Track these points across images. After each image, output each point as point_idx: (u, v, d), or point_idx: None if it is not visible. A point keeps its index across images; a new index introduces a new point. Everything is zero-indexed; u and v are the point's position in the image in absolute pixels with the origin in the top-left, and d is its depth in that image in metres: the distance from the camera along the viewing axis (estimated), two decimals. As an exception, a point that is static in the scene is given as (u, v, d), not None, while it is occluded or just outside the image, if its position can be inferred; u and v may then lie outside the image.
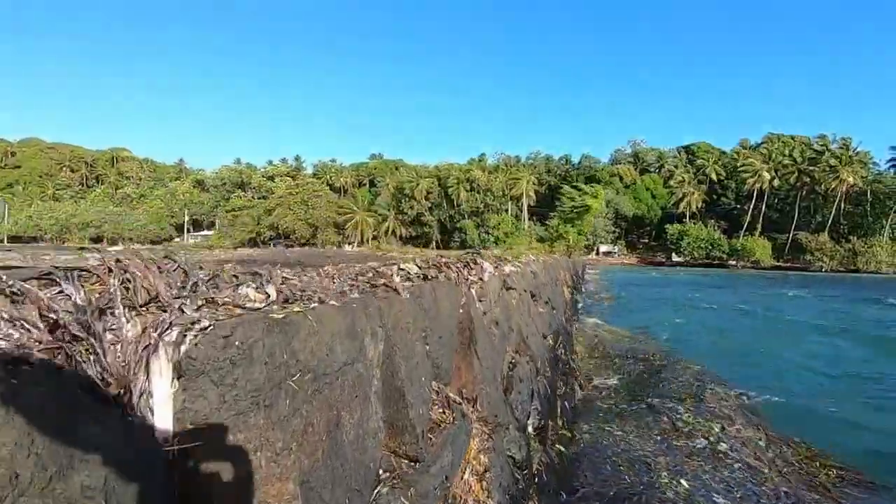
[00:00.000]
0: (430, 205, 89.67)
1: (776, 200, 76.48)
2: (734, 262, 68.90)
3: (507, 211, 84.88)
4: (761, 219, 74.35)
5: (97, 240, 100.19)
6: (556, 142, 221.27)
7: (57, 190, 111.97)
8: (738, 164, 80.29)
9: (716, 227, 75.90)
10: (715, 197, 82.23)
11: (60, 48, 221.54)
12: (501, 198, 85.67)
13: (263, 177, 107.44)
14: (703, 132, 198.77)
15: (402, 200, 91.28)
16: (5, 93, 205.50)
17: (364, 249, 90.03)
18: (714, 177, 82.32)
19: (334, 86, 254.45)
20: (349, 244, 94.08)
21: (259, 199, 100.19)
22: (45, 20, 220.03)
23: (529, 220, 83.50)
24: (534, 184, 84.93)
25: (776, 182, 71.58)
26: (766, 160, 72.98)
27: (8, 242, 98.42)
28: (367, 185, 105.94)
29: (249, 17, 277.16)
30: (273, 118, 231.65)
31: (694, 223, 76.64)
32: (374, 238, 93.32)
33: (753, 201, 73.82)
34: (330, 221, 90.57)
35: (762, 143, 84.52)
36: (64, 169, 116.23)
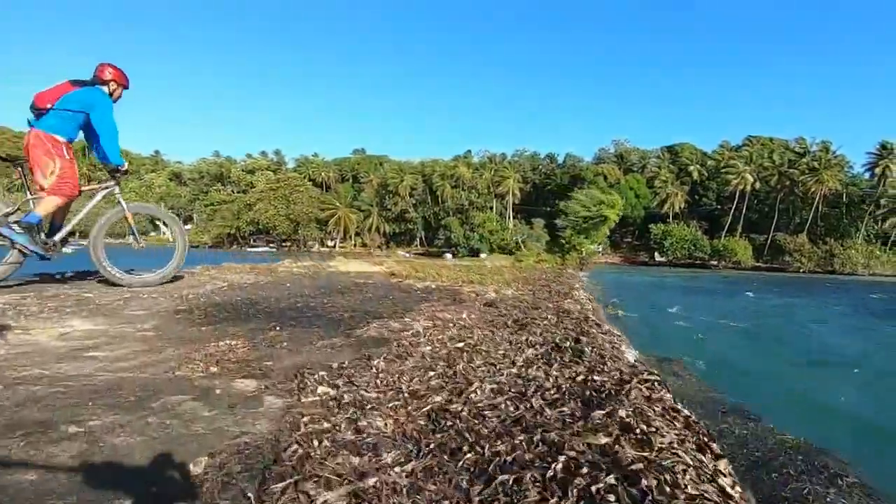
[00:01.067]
0: (414, 201, 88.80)
1: (755, 202, 77.76)
2: (715, 263, 69.83)
3: (491, 209, 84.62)
4: (742, 220, 75.53)
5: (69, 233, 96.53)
6: (540, 140, 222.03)
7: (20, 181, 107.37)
8: (721, 166, 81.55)
9: (697, 228, 76.86)
10: (697, 197, 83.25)
11: (25, 35, 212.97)
12: (487, 195, 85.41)
13: (243, 170, 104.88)
14: (683, 134, 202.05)
15: (386, 197, 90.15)
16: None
17: (358, 261, 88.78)
18: (696, 177, 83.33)
19: (315, 79, 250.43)
20: (331, 240, 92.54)
21: (239, 193, 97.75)
22: (10, 8, 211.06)
23: (514, 218, 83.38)
24: (519, 182, 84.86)
25: (757, 184, 72.72)
26: (748, 162, 74.06)
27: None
28: (350, 181, 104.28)
29: (228, 8, 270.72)
30: (252, 111, 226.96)
31: (677, 223, 77.46)
32: (357, 234, 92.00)
33: (735, 202, 74.86)
34: (312, 217, 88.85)
35: (743, 145, 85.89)
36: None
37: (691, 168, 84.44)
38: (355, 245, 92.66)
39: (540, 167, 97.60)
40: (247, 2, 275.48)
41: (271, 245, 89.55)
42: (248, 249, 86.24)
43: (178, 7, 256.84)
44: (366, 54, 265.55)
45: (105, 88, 4.07)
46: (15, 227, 3.78)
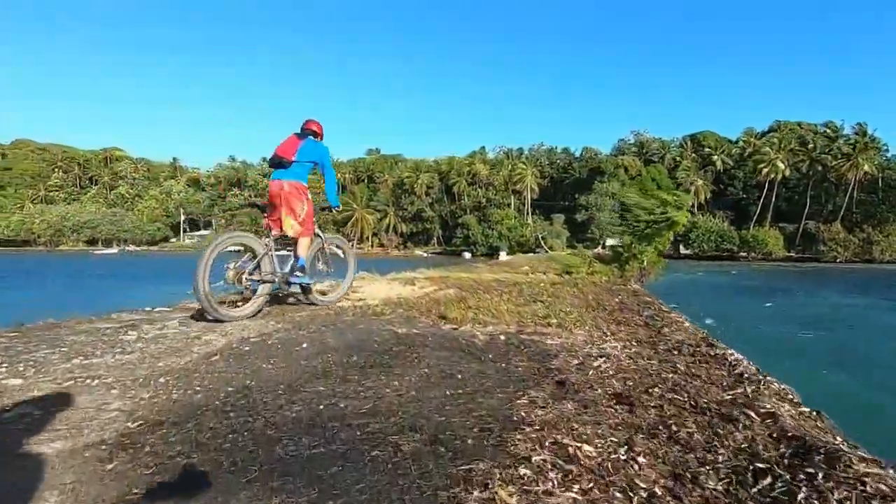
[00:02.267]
0: (430, 200, 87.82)
1: (784, 190, 74.80)
2: (744, 255, 67.31)
3: (509, 205, 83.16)
4: (771, 209, 72.71)
5: (92, 242, 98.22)
6: (556, 134, 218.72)
7: (49, 192, 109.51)
8: (747, 154, 78.73)
9: (724, 219, 74.32)
10: (722, 187, 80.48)
11: (49, 47, 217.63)
12: (504, 192, 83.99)
13: (260, 174, 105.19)
14: (702, 123, 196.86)
15: (402, 196, 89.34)
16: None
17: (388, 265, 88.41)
18: (720, 167, 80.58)
19: (328, 80, 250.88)
20: (348, 240, 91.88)
21: (256, 197, 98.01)
22: (33, 18, 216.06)
23: (533, 214, 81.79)
24: (536, 177, 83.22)
25: (787, 171, 69.83)
26: (778, 149, 71.16)
27: (0, 247, 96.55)
28: (366, 181, 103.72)
29: (239, 13, 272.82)
30: (265, 114, 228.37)
31: (701, 214, 75.00)
32: (375, 235, 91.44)
33: (764, 191, 72.07)
34: (329, 219, 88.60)
35: (770, 131, 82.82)
36: (56, 170, 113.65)
37: (715, 157, 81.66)
38: (372, 245, 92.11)
39: (557, 161, 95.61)
40: (256, 5, 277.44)
41: (289, 248, 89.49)
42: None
43: (188, 8, 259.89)
44: (377, 52, 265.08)
45: (318, 141, 4.77)
46: (298, 274, 4.37)
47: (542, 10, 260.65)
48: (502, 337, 3.13)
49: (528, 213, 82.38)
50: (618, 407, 1.80)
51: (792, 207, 72.65)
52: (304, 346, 2.88)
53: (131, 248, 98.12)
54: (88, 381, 2.26)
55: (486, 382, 2.16)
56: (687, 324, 3.58)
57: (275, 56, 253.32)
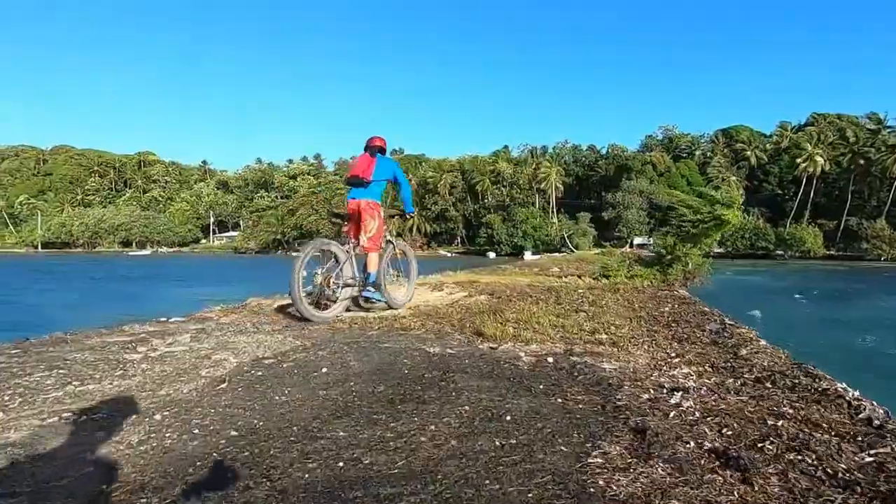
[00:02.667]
0: (454, 199, 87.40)
1: (823, 185, 71.58)
2: (781, 253, 64.68)
3: (533, 204, 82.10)
4: (809, 205, 69.69)
5: (127, 243, 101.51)
6: (581, 132, 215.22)
7: (86, 195, 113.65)
8: (783, 148, 75.78)
9: (758, 216, 71.58)
10: (756, 183, 77.61)
11: (86, 56, 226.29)
12: (528, 191, 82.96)
13: (285, 176, 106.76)
14: (731, 118, 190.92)
15: (426, 196, 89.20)
16: (37, 100, 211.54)
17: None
18: (755, 162, 77.78)
19: (351, 82, 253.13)
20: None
21: (282, 198, 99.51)
22: (68, 30, 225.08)
23: (558, 212, 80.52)
24: (561, 175, 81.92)
25: (827, 166, 66.79)
26: (816, 143, 68.12)
27: (42, 249, 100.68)
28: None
29: (259, 14, 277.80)
30: (290, 116, 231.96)
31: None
32: (399, 235, 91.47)
33: (801, 187, 69.16)
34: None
35: (807, 124, 79.50)
36: (93, 174, 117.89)
37: (748, 152, 78.83)
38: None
39: (582, 159, 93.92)
40: (279, 7, 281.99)
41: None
42: (293, 254, 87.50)
43: (210, 8, 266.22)
44: (398, 52, 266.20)
45: (387, 157, 5.03)
46: (370, 289, 4.60)
47: (566, 5, 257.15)
48: (550, 359, 2.71)
49: (552, 212, 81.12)
50: (725, 473, 1.36)
51: (832, 203, 69.41)
52: (324, 370, 2.51)
53: (164, 249, 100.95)
54: (75, 416, 1.95)
55: (544, 427, 1.74)
56: (763, 342, 3.08)
57: (298, 59, 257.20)
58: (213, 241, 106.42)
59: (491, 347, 2.96)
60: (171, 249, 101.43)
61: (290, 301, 4.97)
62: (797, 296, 23.59)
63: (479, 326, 3.42)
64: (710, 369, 2.50)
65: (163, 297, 22.07)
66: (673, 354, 2.82)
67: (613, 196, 75.63)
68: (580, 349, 2.96)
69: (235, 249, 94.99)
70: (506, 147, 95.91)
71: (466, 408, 1.94)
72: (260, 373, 2.51)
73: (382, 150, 4.96)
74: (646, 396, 2.06)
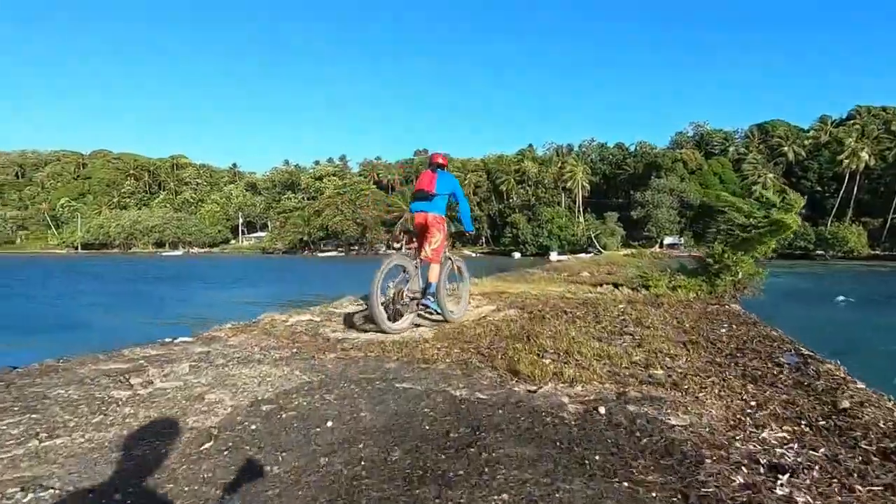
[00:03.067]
0: (478, 199, 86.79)
1: (867, 181, 68.00)
2: (822, 253, 61.70)
3: (559, 203, 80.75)
4: (851, 202, 66.30)
5: (160, 244, 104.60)
6: (607, 130, 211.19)
7: (122, 198, 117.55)
8: (823, 143, 72.42)
9: (797, 214, 68.51)
10: (794, 180, 74.30)
11: (123, 63, 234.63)
12: (553, 190, 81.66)
13: (312, 177, 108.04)
14: (766, 113, 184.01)
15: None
16: (76, 106, 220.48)
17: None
18: (792, 158, 74.52)
19: (373, 82, 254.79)
20: (397, 242, 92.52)
21: (308, 199, 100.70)
22: (105, 39, 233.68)
23: (584, 212, 78.96)
24: (587, 174, 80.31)
25: (871, 161, 63.42)
26: (860, 137, 64.75)
27: (81, 250, 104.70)
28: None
29: (284, 18, 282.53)
30: (317, 117, 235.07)
31: (770, 210, 69.56)
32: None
33: (844, 183, 65.87)
34: (378, 220, 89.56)
35: (848, 118, 75.70)
36: (129, 178, 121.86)
37: (785, 148, 75.56)
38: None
39: (610, 157, 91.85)
40: (304, 11, 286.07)
41: (340, 249, 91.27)
42: (319, 254, 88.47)
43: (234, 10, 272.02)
44: (422, 52, 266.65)
45: (447, 171, 5.22)
46: (430, 298, 4.72)
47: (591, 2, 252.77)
48: (601, 409, 2.23)
49: (579, 212, 79.58)
50: None
51: (877, 200, 65.82)
52: (329, 424, 2.09)
53: (195, 249, 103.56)
54: (21, 491, 1.59)
55: None
56: (861, 384, 2.53)
57: (321, 57, 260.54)
58: (242, 242, 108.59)
59: (528, 391, 2.50)
60: (202, 250, 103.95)
61: (301, 318, 4.68)
62: (839, 298, 22.14)
63: (513, 360, 2.95)
64: (809, 430, 1.98)
65: (194, 298, 22.23)
66: (752, 403, 2.30)
67: (642, 195, 73.60)
68: (635, 392, 2.47)
69: (263, 250, 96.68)
70: (531, 146, 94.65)
71: (504, 496, 1.49)
72: (254, 426, 2.11)
73: (443, 167, 5.18)
74: (739, 480, 1.57)
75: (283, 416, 2.21)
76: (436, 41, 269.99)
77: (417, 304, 4.64)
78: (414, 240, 5.06)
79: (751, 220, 5.92)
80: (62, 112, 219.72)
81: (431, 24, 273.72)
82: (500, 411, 2.21)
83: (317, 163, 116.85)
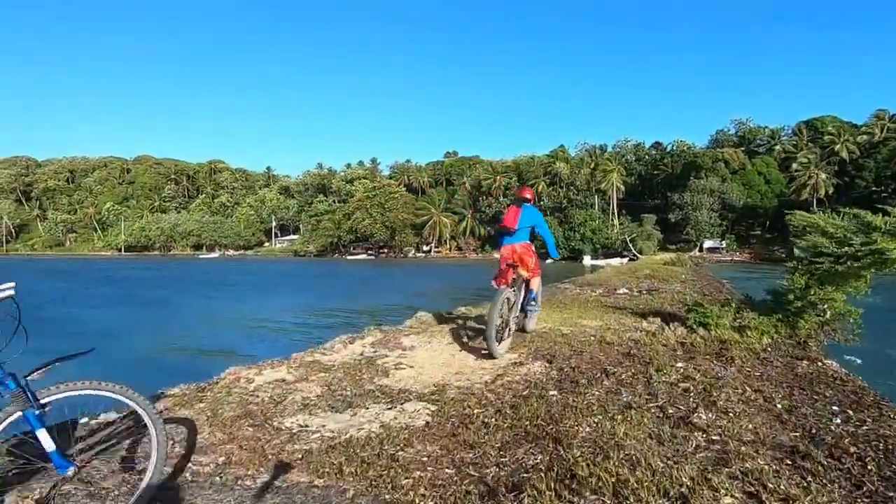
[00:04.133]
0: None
1: (929, 179, 62.84)
2: None
3: (592, 206, 78.20)
4: (914, 203, 61.39)
5: (198, 247, 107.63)
6: (642, 129, 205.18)
7: (163, 202, 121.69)
8: (878, 140, 67.51)
9: (850, 217, 63.85)
10: (848, 180, 69.52)
11: (163, 70, 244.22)
12: (586, 192, 79.18)
13: (343, 180, 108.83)
14: (813, 108, 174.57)
15: (480, 198, 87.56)
16: (121, 111, 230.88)
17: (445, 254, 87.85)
18: (846, 156, 69.71)
19: (404, 84, 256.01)
20: (426, 245, 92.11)
21: (339, 202, 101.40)
22: (149, 48, 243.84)
23: (619, 214, 76.21)
24: (622, 174, 77.50)
25: (937, 157, 58.60)
26: (923, 132, 59.92)
27: (124, 252, 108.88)
28: (444, 184, 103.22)
29: (315, 21, 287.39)
30: (350, 120, 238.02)
31: (822, 211, 65.09)
32: (453, 238, 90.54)
33: (905, 183, 61.08)
34: (407, 223, 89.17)
35: (910, 110, 70.33)
36: (169, 182, 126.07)
37: (837, 145, 70.75)
38: (450, 249, 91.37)
39: (646, 157, 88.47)
40: (337, 13, 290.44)
41: (370, 252, 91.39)
42: (348, 257, 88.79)
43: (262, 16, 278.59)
44: (452, 53, 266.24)
45: (530, 204, 5.83)
46: (533, 303, 5.69)
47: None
48: None
49: (613, 214, 76.81)
50: None
51: (943, 201, 60.77)
52: None
53: (230, 252, 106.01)
54: None
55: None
56: None
57: (353, 61, 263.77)
58: (275, 245, 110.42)
59: None
60: (237, 252, 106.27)
61: (275, 374, 3.71)
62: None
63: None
64: None
65: (193, 322, 20.41)
66: None
67: (681, 196, 70.37)
68: None
69: (295, 253, 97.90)
70: (562, 146, 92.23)
71: None
72: None
73: (528, 201, 5.77)
74: None
75: None
76: (467, 41, 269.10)
77: (516, 324, 5.32)
78: (507, 271, 5.38)
79: (844, 248, 4.63)
80: (108, 118, 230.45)
81: (462, 25, 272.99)
82: None
83: (348, 165, 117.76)
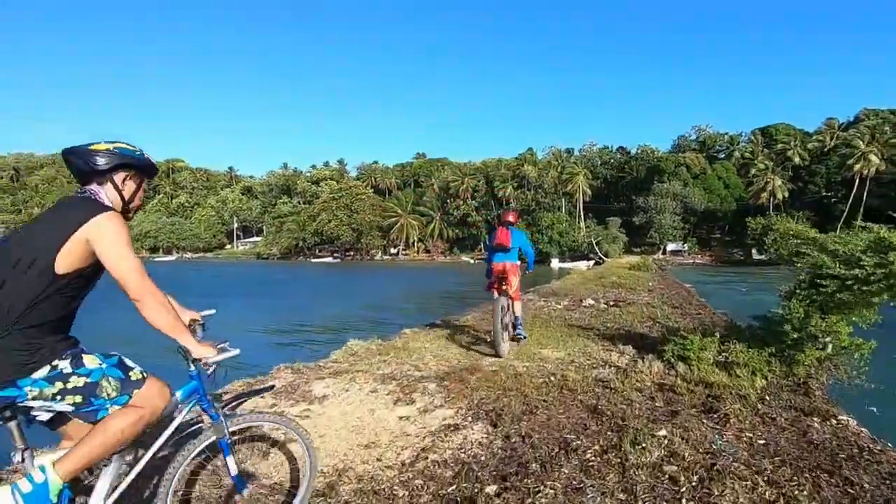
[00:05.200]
0: (476, 204, 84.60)
1: (876, 185, 65.86)
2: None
3: (559, 209, 78.56)
4: (862, 208, 64.10)
5: (154, 249, 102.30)
6: (607, 133, 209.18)
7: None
8: (828, 147, 70.34)
9: (802, 220, 66.27)
10: (801, 185, 72.19)
11: (123, 63, 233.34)
12: (554, 195, 79.49)
13: (308, 181, 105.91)
14: (768, 117, 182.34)
15: (447, 200, 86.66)
16: (75, 109, 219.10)
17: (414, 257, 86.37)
18: (798, 162, 72.34)
19: (374, 86, 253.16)
20: (394, 248, 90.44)
21: (304, 204, 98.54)
22: (104, 40, 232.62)
23: (586, 217, 76.74)
24: (588, 178, 78.13)
25: (882, 165, 61.37)
26: (870, 140, 62.65)
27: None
28: (412, 186, 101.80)
29: (284, 18, 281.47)
30: (316, 121, 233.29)
31: (777, 215, 67.33)
32: (420, 241, 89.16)
33: (854, 188, 63.73)
34: (374, 225, 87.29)
35: (856, 121, 73.63)
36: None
37: (790, 152, 73.37)
38: (418, 251, 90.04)
39: (611, 161, 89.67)
40: (305, 12, 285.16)
41: (335, 255, 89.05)
42: (313, 260, 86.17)
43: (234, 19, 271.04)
44: (421, 54, 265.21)
45: (516, 227, 6.55)
46: (519, 326, 6.18)
47: (593, 5, 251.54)
48: None
49: (579, 217, 77.32)
50: None
51: (888, 205, 63.55)
52: None
53: (188, 255, 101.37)
54: None
55: None
56: None
57: (321, 60, 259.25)
58: (237, 247, 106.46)
59: None
60: (196, 255, 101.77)
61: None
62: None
63: None
64: None
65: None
66: None
67: (645, 200, 71.42)
68: None
69: (258, 255, 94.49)
70: (531, 150, 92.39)
71: None
72: None
73: (513, 224, 6.40)
74: None
75: None
76: (435, 44, 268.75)
77: (511, 335, 5.99)
78: (497, 283, 6.03)
79: (855, 270, 3.79)
80: (60, 115, 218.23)
81: (431, 28, 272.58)
82: None
83: (314, 166, 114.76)
